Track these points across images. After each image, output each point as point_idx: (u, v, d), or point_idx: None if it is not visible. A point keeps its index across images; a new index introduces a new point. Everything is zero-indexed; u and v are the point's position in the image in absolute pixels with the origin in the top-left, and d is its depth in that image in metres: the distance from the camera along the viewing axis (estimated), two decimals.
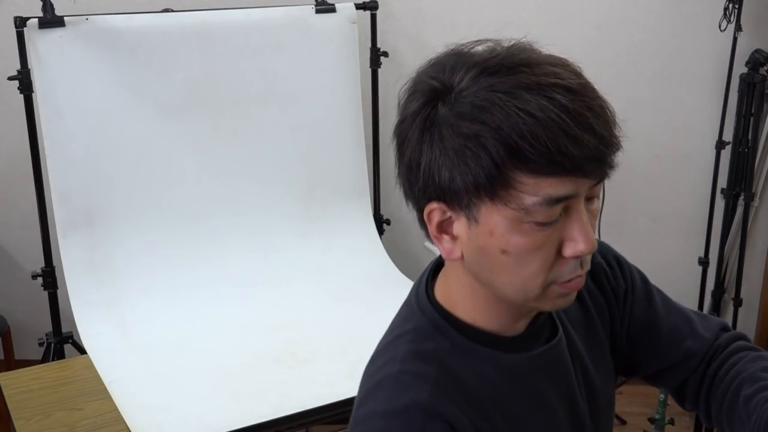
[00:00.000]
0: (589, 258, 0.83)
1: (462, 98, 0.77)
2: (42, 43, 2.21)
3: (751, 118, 2.82)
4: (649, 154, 3.00)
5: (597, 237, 0.82)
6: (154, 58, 2.37)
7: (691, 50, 2.89)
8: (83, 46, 2.27)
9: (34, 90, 2.25)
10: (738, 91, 2.82)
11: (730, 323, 3.01)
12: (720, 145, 2.87)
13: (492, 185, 0.76)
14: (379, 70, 2.73)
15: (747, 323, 3.12)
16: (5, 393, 1.97)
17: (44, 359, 2.40)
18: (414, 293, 0.93)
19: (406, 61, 2.86)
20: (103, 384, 2.00)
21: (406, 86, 0.83)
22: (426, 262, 0.96)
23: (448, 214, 0.82)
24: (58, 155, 2.28)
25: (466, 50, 0.81)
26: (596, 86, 0.80)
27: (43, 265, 2.37)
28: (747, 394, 0.94)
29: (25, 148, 2.30)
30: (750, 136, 2.82)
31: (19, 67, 2.22)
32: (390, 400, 0.82)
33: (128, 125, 2.37)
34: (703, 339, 1.04)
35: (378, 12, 2.68)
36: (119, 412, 1.88)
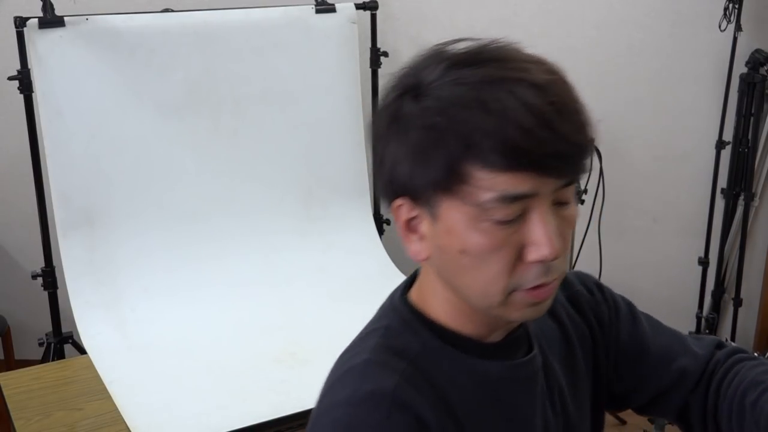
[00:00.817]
0: (558, 266, 0.78)
1: (429, 92, 0.76)
2: (42, 43, 2.21)
3: (751, 118, 2.82)
4: (649, 154, 3.00)
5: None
6: (154, 58, 2.37)
7: (691, 50, 2.89)
8: (83, 46, 2.27)
9: (34, 90, 2.25)
10: (738, 91, 2.82)
11: (730, 323, 3.01)
12: (720, 145, 2.87)
13: (448, 180, 0.74)
14: (379, 70, 2.73)
15: (747, 323, 3.11)
16: (5, 393, 1.97)
17: (44, 359, 2.39)
18: (389, 296, 0.90)
19: (406, 61, 2.86)
20: (103, 384, 2.00)
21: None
22: None
23: (415, 211, 0.79)
24: (58, 155, 2.28)
25: (444, 47, 0.80)
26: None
27: (43, 265, 2.37)
28: (752, 400, 0.91)
29: (25, 148, 2.30)
30: (750, 136, 2.82)
31: (19, 67, 2.22)
32: (355, 388, 0.78)
33: (128, 125, 2.37)
34: (698, 356, 0.99)
35: (378, 12, 2.68)
36: (119, 412, 1.88)
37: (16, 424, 1.85)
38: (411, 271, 0.91)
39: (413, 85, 0.78)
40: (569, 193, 0.77)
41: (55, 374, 2.07)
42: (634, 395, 1.00)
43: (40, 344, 2.43)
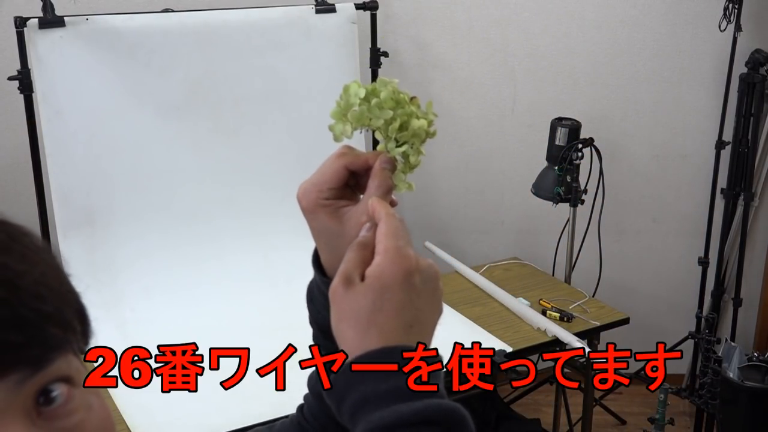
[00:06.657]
0: None
1: None
2: (42, 43, 2.21)
3: (751, 118, 2.82)
4: (649, 154, 3.00)
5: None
6: (154, 58, 2.37)
7: (691, 50, 2.89)
8: (83, 46, 2.27)
9: (34, 90, 2.25)
10: (738, 91, 2.82)
11: (729, 323, 3.01)
12: (720, 145, 2.87)
13: None
14: (379, 70, 2.73)
15: (747, 323, 3.12)
16: None
17: None
18: None
19: (406, 61, 2.86)
20: None
21: None
22: None
23: None
24: (58, 155, 2.28)
25: None
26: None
27: None
28: None
29: (25, 148, 2.30)
30: (750, 136, 2.82)
31: (19, 67, 2.22)
32: None
33: (128, 125, 2.37)
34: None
35: (378, 12, 2.68)
36: (119, 412, 1.88)
37: None
38: None
39: None
40: (44, 380, 0.48)
41: None
42: None
43: None
